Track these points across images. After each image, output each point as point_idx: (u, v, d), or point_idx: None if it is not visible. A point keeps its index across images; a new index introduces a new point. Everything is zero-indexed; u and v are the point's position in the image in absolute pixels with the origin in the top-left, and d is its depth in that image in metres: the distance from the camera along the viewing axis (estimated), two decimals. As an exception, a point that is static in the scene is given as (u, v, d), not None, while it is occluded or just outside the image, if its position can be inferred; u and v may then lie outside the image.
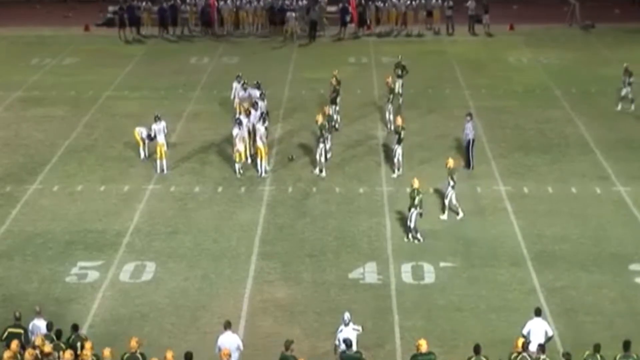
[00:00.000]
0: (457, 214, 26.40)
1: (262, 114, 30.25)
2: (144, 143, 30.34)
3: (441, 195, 26.97)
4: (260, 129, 29.10)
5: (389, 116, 32.94)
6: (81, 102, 37.10)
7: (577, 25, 49.82)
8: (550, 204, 27.39)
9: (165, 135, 29.84)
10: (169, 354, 16.99)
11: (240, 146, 28.83)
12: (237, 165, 28.96)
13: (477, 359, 17.30)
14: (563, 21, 50.10)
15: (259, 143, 28.90)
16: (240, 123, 29.09)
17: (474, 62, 43.35)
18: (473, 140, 29.63)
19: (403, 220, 26.15)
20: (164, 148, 29.60)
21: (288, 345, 17.80)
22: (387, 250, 24.58)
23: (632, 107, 35.01)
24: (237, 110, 32.54)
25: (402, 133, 28.70)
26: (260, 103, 31.09)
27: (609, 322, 20.98)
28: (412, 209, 24.59)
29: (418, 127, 33.43)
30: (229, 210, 27.14)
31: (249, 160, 29.61)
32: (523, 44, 46.78)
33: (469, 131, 29.51)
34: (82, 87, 39.29)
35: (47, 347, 17.13)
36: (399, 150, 28.71)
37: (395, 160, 28.94)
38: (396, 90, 34.40)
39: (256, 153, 29.18)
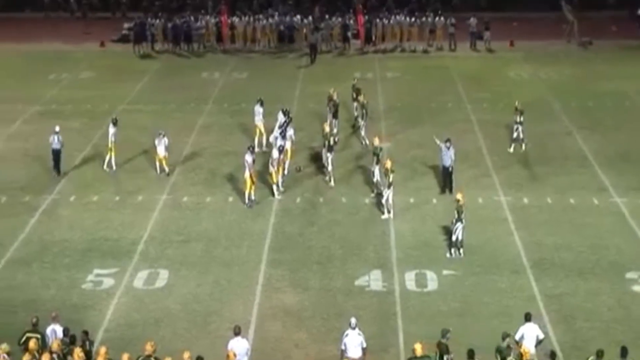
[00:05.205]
0: (389, 212, 26.74)
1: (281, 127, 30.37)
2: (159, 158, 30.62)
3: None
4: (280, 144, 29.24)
5: (363, 133, 33.01)
6: (97, 115, 37.18)
7: (576, 41, 49.88)
8: (549, 214, 27.41)
9: (166, 149, 30.28)
10: (186, 355, 17.21)
11: (274, 169, 28.37)
12: (274, 186, 28.53)
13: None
14: (562, 38, 50.16)
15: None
16: (282, 150, 28.83)
17: (475, 77, 43.42)
18: (451, 167, 28.63)
19: (407, 229, 26.26)
20: (164, 160, 30.39)
21: (444, 333, 18.14)
22: (392, 258, 24.62)
23: (524, 146, 32.22)
24: (257, 135, 32.54)
25: (380, 154, 28.35)
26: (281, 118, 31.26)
27: (607, 328, 21.00)
28: (458, 223, 24.31)
29: (421, 140, 33.48)
30: (239, 219, 27.21)
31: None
32: (523, 59, 46.82)
33: (447, 157, 28.52)
34: (98, 100, 39.43)
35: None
36: (376, 171, 28.16)
37: (375, 180, 28.33)
38: (355, 113, 34.22)
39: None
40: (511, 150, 32.25)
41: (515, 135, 32.24)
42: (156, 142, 30.42)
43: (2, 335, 18.41)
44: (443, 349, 18.03)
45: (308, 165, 31.21)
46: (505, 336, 18.28)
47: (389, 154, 31.37)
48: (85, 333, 18.66)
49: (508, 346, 18.06)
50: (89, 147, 33.37)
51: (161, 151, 30.31)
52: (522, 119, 32.09)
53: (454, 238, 24.52)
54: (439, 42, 49.59)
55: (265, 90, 36.67)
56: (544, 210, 27.68)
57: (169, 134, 30.96)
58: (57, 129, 30.56)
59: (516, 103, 32.60)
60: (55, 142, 30.41)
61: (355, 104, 34.10)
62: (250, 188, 27.91)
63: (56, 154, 30.49)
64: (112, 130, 30.87)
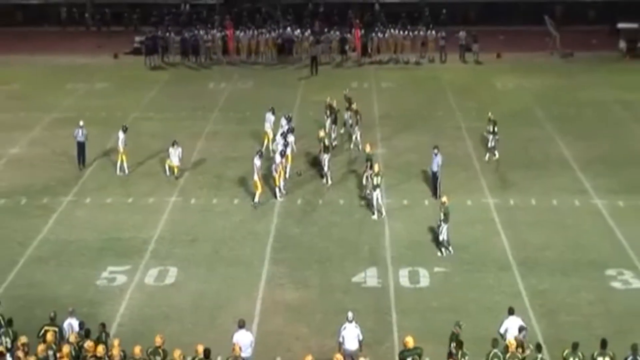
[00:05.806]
0: (381, 212, 26.72)
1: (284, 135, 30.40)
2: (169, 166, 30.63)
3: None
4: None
5: (358, 139, 32.73)
6: (111, 122, 37.03)
7: (558, 53, 49.88)
8: (533, 215, 27.38)
9: (180, 160, 30.27)
10: (200, 348, 17.32)
11: (276, 173, 28.32)
12: (276, 189, 28.45)
13: (462, 353, 17.63)
14: (545, 50, 50.17)
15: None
16: (283, 154, 28.77)
17: (464, 87, 43.39)
18: (438, 172, 28.29)
19: (400, 229, 26.23)
20: (177, 168, 30.37)
21: (456, 323, 18.14)
22: (386, 256, 24.59)
23: (497, 155, 31.43)
24: (265, 141, 32.51)
25: (373, 159, 28.23)
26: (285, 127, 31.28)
27: (587, 322, 20.98)
28: (443, 224, 24.33)
29: (414, 145, 33.49)
30: (244, 220, 27.17)
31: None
32: (509, 70, 46.78)
33: (434, 163, 28.30)
34: (112, 109, 39.36)
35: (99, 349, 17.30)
36: (369, 176, 27.75)
37: (367, 184, 28.05)
38: (350, 121, 33.75)
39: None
40: (486, 159, 31.76)
41: (492, 144, 31.65)
42: (171, 150, 30.34)
43: (22, 329, 18.39)
44: (453, 337, 18.10)
45: (308, 170, 31.17)
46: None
47: (383, 159, 31.44)
48: (103, 326, 18.61)
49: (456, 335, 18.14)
50: (103, 152, 33.27)
51: (175, 161, 30.31)
52: (495, 129, 31.61)
53: (440, 238, 24.51)
54: (430, 54, 49.56)
55: (268, 99, 36.62)
56: (529, 212, 27.65)
57: (178, 140, 30.89)
58: (82, 123, 31.13)
59: (489, 114, 32.35)
60: (79, 135, 30.98)
61: (349, 112, 34.10)
62: (258, 190, 27.89)
63: (81, 147, 31.08)
64: (121, 136, 30.81)
